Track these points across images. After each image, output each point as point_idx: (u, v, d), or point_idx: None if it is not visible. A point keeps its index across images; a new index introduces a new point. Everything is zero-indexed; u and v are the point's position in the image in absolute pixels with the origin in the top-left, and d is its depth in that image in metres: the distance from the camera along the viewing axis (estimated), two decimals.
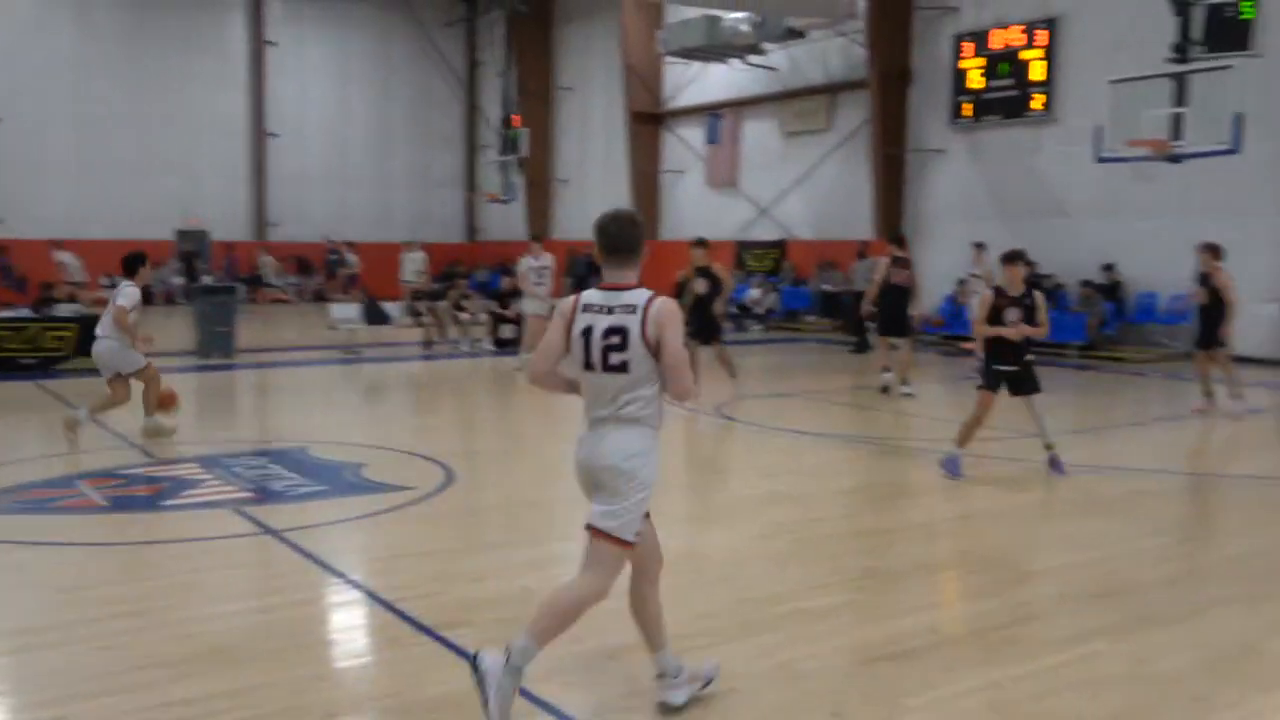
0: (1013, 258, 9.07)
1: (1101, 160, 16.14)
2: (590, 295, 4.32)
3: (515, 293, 20.84)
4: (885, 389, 14.06)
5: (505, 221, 35.43)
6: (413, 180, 36.84)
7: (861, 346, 19.48)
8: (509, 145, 29.03)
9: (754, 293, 25.17)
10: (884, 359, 14.50)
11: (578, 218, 33.32)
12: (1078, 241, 19.70)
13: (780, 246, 26.53)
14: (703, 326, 13.24)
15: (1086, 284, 19.24)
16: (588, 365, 4.27)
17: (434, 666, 4.87)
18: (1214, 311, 12.49)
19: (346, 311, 20.39)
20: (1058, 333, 18.97)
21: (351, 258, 28.33)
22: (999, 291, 9.05)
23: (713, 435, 11.91)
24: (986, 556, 6.91)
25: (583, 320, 4.27)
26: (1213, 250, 12.64)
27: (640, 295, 4.21)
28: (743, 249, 27.10)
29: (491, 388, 16.27)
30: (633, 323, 4.17)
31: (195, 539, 6.95)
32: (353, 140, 35.67)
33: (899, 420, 12.80)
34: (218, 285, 20.58)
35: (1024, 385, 9.06)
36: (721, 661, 4.88)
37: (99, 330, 10.15)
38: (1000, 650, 5.30)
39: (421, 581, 6.09)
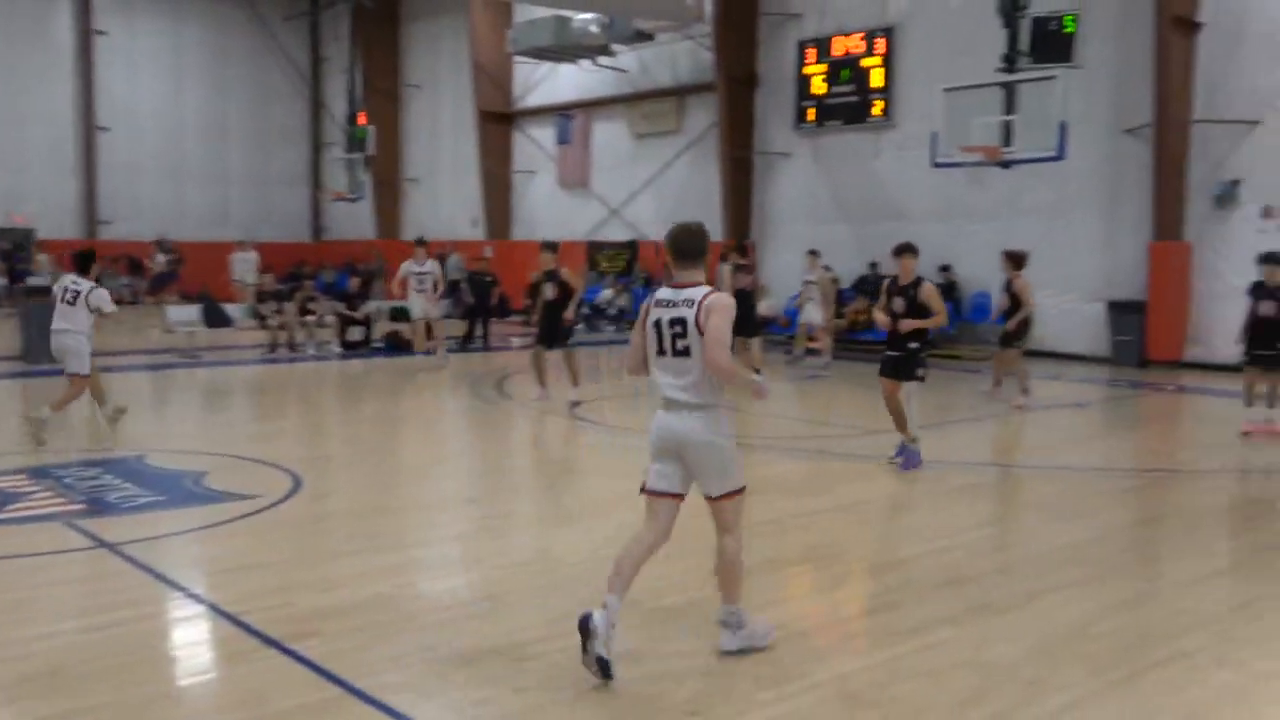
0: (900, 250, 9.51)
1: (937, 165, 16.77)
2: (661, 293, 5.04)
3: (363, 294, 20.51)
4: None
5: (352, 220, 34.70)
6: (253, 177, 35.72)
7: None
8: (355, 143, 28.44)
9: (606, 293, 25.28)
10: (745, 359, 14.89)
11: (428, 217, 32.91)
12: (917, 242, 20.32)
13: (631, 247, 26.70)
14: (549, 331, 13.21)
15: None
16: (660, 351, 4.98)
17: (281, 680, 4.73)
18: (1015, 314, 13.28)
19: (184, 313, 19.66)
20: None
21: (161, 257, 27.10)
22: (893, 281, 9.55)
23: (565, 436, 11.92)
24: (835, 551, 7.09)
25: (654, 314, 5.00)
26: (1013, 259, 13.45)
27: (699, 291, 4.92)
28: (594, 250, 27.18)
29: (340, 392, 15.92)
30: (689, 313, 4.87)
31: (23, 555, 6.59)
32: (188, 135, 34.36)
33: (748, 419, 13.03)
34: (45, 285, 19.53)
35: (899, 371, 9.46)
36: (577, 664, 4.90)
37: (62, 324, 10.34)
38: (850, 642, 5.46)
39: (267, 593, 5.91)
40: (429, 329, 17.26)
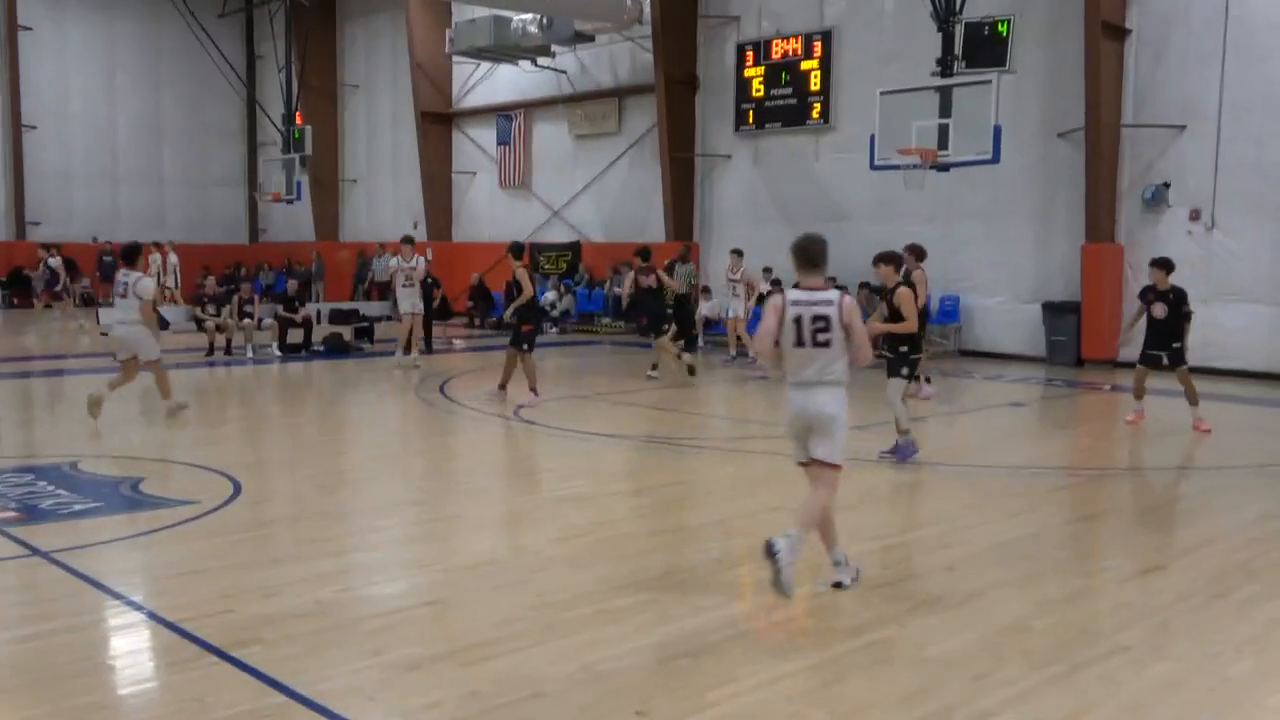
0: (875, 260, 9.81)
1: (875, 168, 16.93)
2: (795, 294, 5.91)
3: (302, 296, 20.26)
4: (691, 370, 15.59)
5: (290, 222, 34.31)
6: (188, 178, 35.14)
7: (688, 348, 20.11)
8: (292, 143, 28.07)
9: (549, 295, 25.20)
10: (667, 355, 15.78)
11: (367, 218, 32.63)
12: (856, 244, 20.50)
13: (574, 248, 26.67)
14: (514, 332, 13.56)
15: (865, 286, 20.11)
16: (799, 343, 5.85)
17: (223, 688, 4.65)
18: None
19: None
20: None
21: (53, 261, 26.40)
22: (880, 289, 9.99)
23: (510, 439, 11.86)
24: None
25: (793, 311, 5.85)
26: (915, 251, 13.77)
27: (834, 294, 5.88)
28: (537, 251, 27.10)
29: (279, 395, 15.72)
30: (832, 312, 5.80)
31: None
32: (120, 134, 33.72)
33: (692, 421, 13.10)
34: None
35: (889, 370, 9.90)
36: (524, 666, 4.88)
37: (122, 316, 11.50)
38: (795, 640, 5.50)
39: (208, 600, 5.81)
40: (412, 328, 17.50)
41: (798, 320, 5.84)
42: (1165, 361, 11.86)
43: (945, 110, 15.67)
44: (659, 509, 8.55)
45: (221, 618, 5.50)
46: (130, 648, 5.35)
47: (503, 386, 13.61)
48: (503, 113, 28.18)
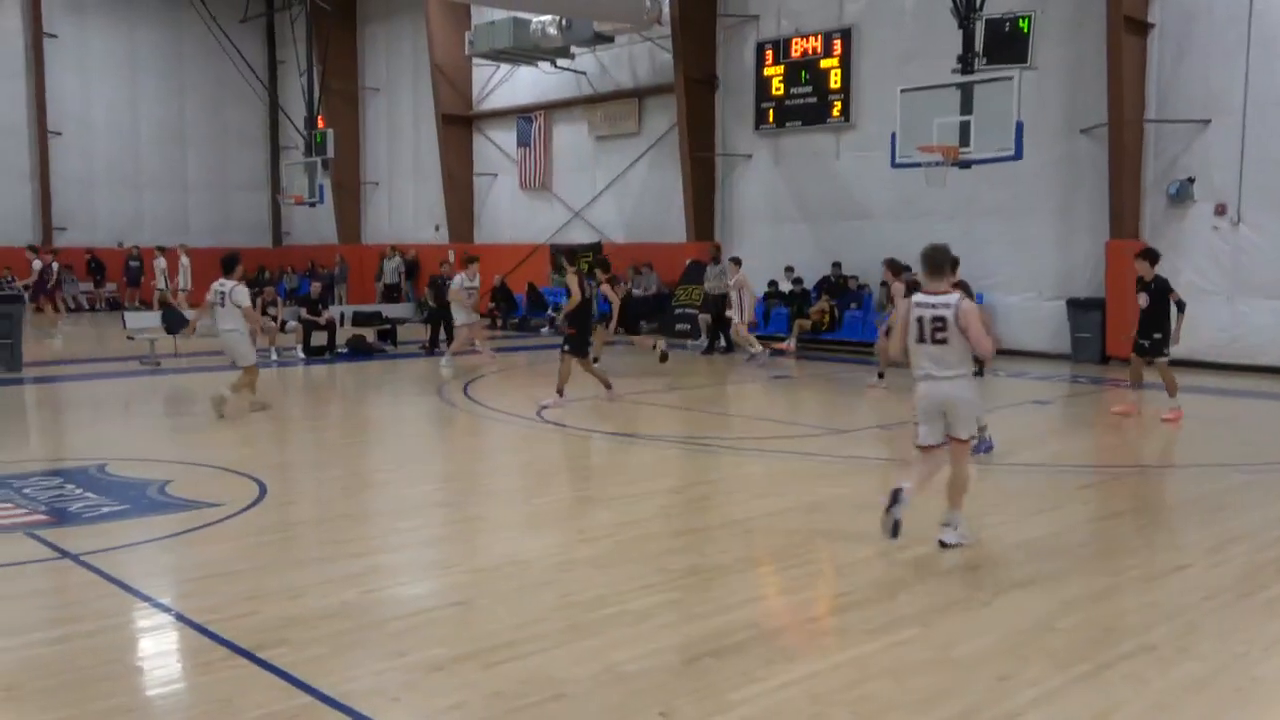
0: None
1: (896, 166, 16.85)
2: (919, 297, 6.81)
3: (325, 298, 20.37)
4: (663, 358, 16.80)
5: (312, 225, 34.49)
6: (211, 182, 35.38)
7: (710, 349, 20.36)
8: (314, 147, 28.20)
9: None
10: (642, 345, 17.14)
11: (389, 221, 32.75)
12: (878, 243, 20.49)
13: (595, 249, 26.67)
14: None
15: (885, 285, 20.07)
16: (921, 339, 6.71)
17: (250, 688, 4.69)
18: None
19: (144, 320, 19.45)
20: (861, 331, 19.79)
21: (37, 263, 26.55)
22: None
23: (533, 440, 11.88)
24: (802, 550, 7.12)
25: (916, 312, 6.75)
26: (890, 266, 13.72)
27: (953, 298, 6.68)
28: (558, 253, 27.11)
29: (304, 397, 15.80)
30: (949, 314, 6.62)
31: None
32: (144, 139, 33.98)
33: (714, 420, 13.08)
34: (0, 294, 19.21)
35: None
36: (548, 667, 4.90)
37: (223, 325, 12.27)
38: (817, 641, 5.49)
39: (234, 601, 5.86)
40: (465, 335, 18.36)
41: (920, 320, 6.69)
42: (1147, 349, 12.05)
43: (966, 107, 15.56)
44: (682, 509, 8.54)
45: (248, 619, 5.54)
46: (157, 649, 5.40)
47: (608, 386, 13.76)
48: (523, 114, 28.23)
